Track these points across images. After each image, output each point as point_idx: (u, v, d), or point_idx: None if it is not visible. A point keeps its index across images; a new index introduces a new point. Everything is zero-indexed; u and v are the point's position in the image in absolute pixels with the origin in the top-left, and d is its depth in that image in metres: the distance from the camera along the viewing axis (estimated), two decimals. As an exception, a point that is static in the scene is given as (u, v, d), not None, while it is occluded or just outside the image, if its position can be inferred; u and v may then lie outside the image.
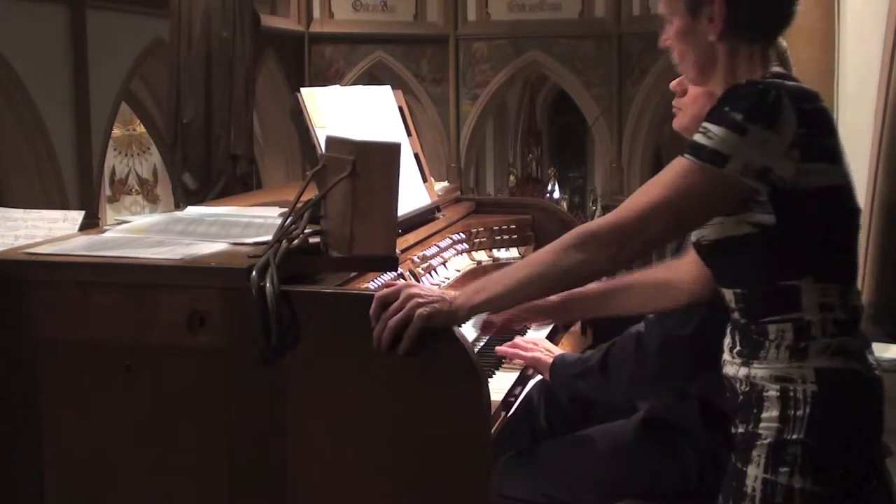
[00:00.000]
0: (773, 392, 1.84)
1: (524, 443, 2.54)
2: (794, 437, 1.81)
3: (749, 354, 1.89)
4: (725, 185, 1.78)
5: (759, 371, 1.86)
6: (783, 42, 2.45)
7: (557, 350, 2.47)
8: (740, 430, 1.89)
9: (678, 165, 1.83)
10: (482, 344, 2.59)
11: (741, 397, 1.90)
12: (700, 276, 2.12)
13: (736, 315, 1.92)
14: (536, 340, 2.50)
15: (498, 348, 2.47)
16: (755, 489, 1.82)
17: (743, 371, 1.89)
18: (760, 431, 1.84)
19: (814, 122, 1.81)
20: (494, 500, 2.27)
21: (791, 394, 1.82)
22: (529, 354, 2.43)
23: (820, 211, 1.82)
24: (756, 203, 1.81)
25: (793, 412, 1.81)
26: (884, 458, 1.93)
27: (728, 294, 1.93)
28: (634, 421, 2.43)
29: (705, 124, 1.81)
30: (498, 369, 2.45)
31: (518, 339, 2.50)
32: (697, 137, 1.81)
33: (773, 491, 1.81)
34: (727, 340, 1.97)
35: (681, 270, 2.21)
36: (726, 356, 1.96)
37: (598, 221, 1.88)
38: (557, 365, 2.39)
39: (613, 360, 2.29)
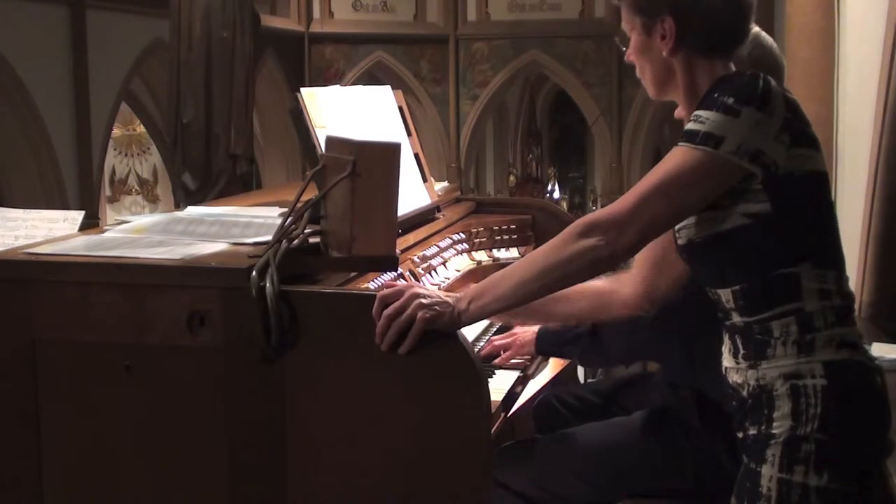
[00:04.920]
0: (783, 390, 1.85)
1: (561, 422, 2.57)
2: (807, 433, 1.81)
3: (755, 356, 1.89)
4: (720, 167, 1.81)
5: (768, 371, 1.87)
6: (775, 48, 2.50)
7: (535, 328, 2.52)
8: (752, 431, 1.89)
9: (673, 153, 1.86)
10: (482, 344, 2.59)
11: (749, 401, 1.90)
12: (643, 290, 2.20)
13: (735, 317, 1.92)
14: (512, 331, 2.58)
15: (482, 354, 2.52)
16: (770, 489, 1.83)
17: (751, 374, 1.89)
18: (774, 431, 1.84)
19: (796, 109, 1.87)
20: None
21: (801, 390, 1.83)
22: (508, 340, 2.49)
23: (811, 196, 1.88)
24: (750, 192, 1.83)
25: (804, 408, 1.82)
26: (887, 454, 1.93)
27: (725, 294, 1.93)
28: (631, 418, 2.44)
29: (697, 112, 1.85)
30: (498, 369, 2.46)
31: (493, 337, 2.58)
32: (690, 125, 1.84)
33: (789, 490, 1.82)
34: (727, 347, 1.97)
35: (625, 283, 2.25)
36: (729, 363, 1.96)
37: (597, 212, 1.89)
38: (542, 335, 2.43)
39: (605, 328, 2.30)
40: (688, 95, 1.97)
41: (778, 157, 1.82)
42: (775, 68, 2.48)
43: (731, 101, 1.81)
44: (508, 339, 2.51)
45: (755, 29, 2.49)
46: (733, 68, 1.97)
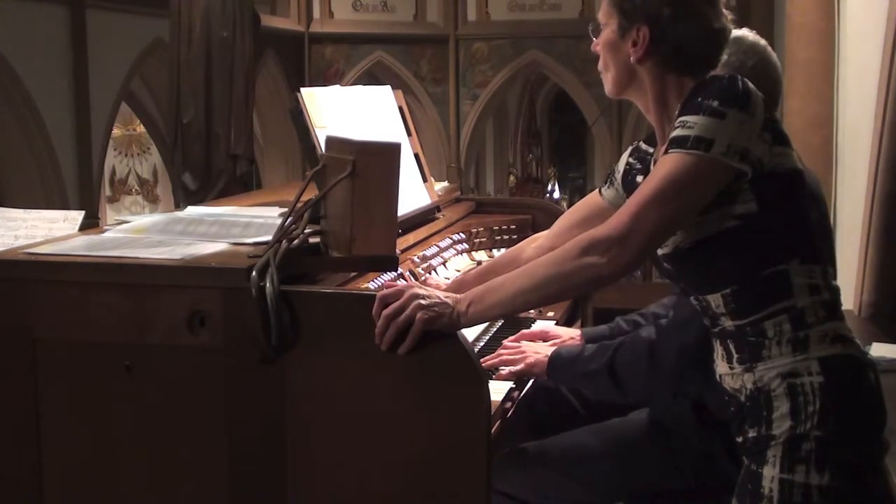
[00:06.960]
0: (780, 390, 1.85)
1: (526, 437, 2.52)
2: (807, 431, 1.82)
3: (751, 358, 1.89)
4: (713, 169, 1.83)
5: (765, 372, 1.87)
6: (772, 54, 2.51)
7: (545, 347, 2.41)
8: (751, 434, 1.89)
9: (665, 161, 1.86)
10: (482, 345, 2.59)
11: (748, 404, 1.90)
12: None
13: (726, 322, 1.92)
14: (521, 346, 2.43)
15: (486, 363, 2.35)
16: (772, 490, 1.83)
17: (748, 377, 1.90)
18: (773, 432, 1.85)
19: (770, 108, 1.91)
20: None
21: (799, 388, 1.84)
22: (517, 356, 2.36)
23: (792, 192, 1.91)
24: (737, 193, 1.85)
25: (803, 407, 1.83)
26: (884, 451, 1.93)
27: (714, 300, 1.92)
28: (630, 421, 2.44)
29: (683, 118, 1.86)
30: (498, 370, 2.45)
31: (502, 349, 2.43)
32: (678, 131, 1.85)
33: (791, 490, 1.82)
34: (720, 353, 1.97)
35: (560, 239, 2.26)
36: (723, 369, 1.96)
37: (599, 228, 1.88)
38: (556, 364, 2.33)
39: (623, 367, 2.25)
40: (656, 104, 2.00)
41: (763, 155, 1.85)
42: (777, 83, 2.49)
43: (715, 104, 1.83)
44: (517, 356, 2.38)
45: (762, 42, 2.49)
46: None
